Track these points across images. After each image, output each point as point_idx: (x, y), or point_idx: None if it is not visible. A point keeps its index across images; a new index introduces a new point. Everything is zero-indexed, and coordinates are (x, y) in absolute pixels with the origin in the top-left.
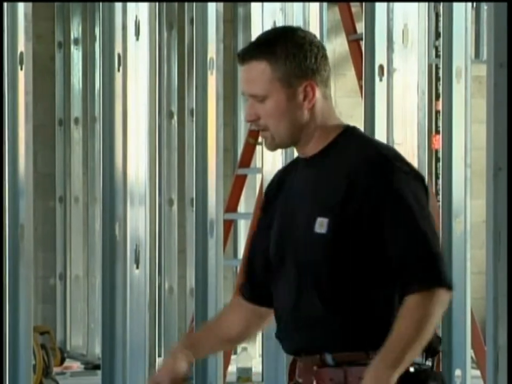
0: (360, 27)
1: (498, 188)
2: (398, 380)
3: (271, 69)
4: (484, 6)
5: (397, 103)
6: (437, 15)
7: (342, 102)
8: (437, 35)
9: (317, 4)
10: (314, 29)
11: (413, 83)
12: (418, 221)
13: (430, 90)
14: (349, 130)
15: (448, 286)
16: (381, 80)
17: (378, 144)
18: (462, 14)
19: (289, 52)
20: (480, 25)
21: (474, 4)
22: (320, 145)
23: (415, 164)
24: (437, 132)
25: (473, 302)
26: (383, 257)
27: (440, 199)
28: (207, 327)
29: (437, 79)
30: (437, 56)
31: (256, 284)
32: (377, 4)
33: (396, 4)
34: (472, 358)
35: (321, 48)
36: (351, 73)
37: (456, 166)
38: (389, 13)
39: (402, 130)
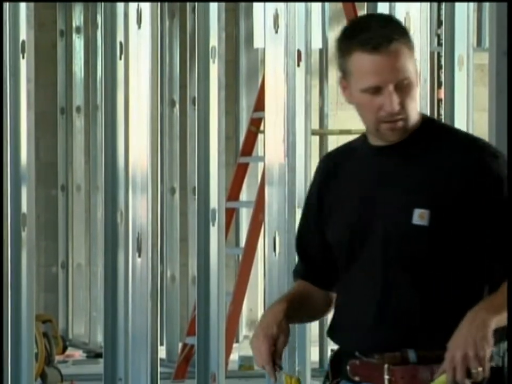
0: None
1: None
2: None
3: (412, 51)
4: None
5: None
6: (439, 3)
7: None
8: (439, 23)
9: None
10: (316, 16)
11: None
12: None
13: (432, 78)
14: (429, 119)
15: None
16: None
17: (467, 133)
18: (464, 2)
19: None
20: (482, 13)
21: None
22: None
23: None
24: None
25: None
26: (479, 248)
27: None
28: (298, 298)
29: (439, 67)
30: (439, 44)
31: (318, 270)
32: None
33: None
34: None
35: None
36: None
37: None
38: (391, 1)
39: None
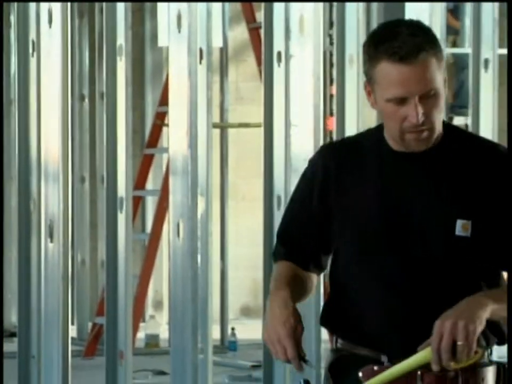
0: (260, 16)
1: None
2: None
3: (441, 61)
4: None
5: (294, 88)
6: (331, 6)
7: (243, 86)
8: (331, 24)
9: None
10: (217, 18)
11: (309, 69)
12: None
13: (324, 75)
14: (449, 126)
15: None
16: (279, 66)
17: (486, 139)
18: (353, 5)
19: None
20: (370, 14)
21: None
22: None
23: (311, 144)
24: (331, 114)
25: None
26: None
27: None
28: (294, 281)
29: (331, 65)
30: (331, 43)
31: (303, 254)
32: None
33: None
34: None
35: None
36: (251, 59)
37: None
38: (287, 3)
39: (299, 112)
